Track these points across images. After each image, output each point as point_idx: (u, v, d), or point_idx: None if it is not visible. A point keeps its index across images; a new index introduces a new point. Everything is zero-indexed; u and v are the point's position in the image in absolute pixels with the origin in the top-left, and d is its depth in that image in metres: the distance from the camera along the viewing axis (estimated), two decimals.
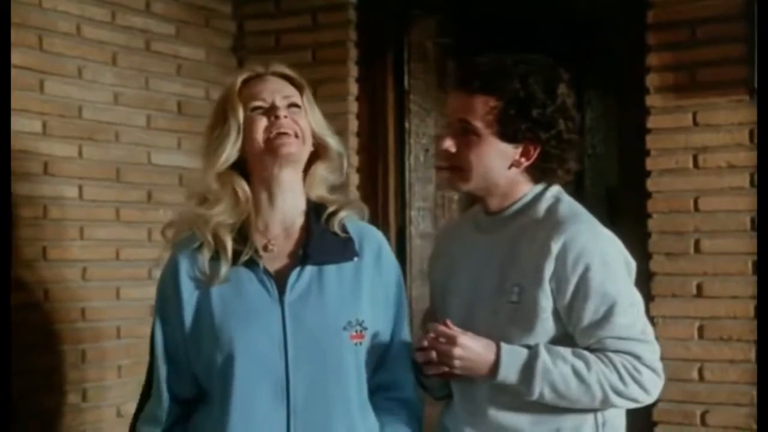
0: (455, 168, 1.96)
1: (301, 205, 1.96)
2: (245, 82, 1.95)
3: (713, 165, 3.01)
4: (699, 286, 3.02)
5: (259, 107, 1.90)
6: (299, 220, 1.95)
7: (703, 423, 2.99)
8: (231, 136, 1.90)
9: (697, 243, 3.03)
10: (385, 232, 3.48)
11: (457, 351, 1.85)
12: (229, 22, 3.63)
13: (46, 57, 2.92)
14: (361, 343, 1.89)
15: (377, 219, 3.47)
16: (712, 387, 2.99)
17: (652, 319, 3.02)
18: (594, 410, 1.90)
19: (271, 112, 1.90)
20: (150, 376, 1.96)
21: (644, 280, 3.04)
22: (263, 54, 3.44)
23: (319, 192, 1.98)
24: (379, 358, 1.94)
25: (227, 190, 1.90)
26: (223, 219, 1.89)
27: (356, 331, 1.88)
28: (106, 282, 3.07)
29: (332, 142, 1.97)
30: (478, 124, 1.91)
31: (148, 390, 1.97)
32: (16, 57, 2.77)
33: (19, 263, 2.78)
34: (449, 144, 1.95)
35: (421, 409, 2.02)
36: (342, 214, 1.96)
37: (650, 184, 3.09)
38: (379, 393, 1.95)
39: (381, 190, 3.54)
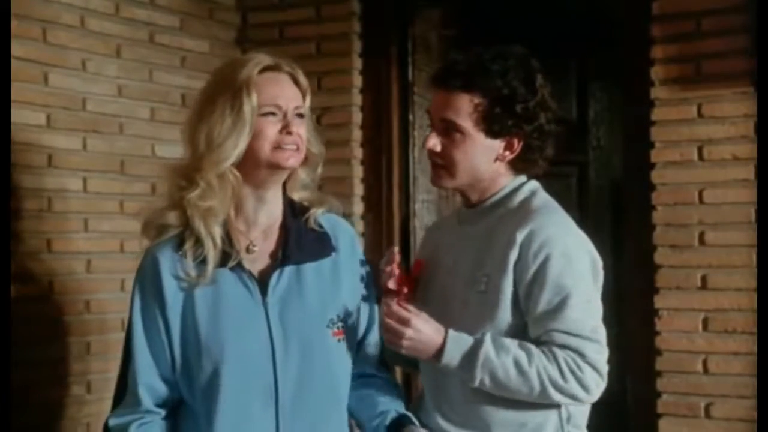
0: (441, 165, 2.00)
1: (281, 205, 1.95)
2: (260, 72, 1.87)
3: (718, 157, 3.01)
4: (703, 279, 3.01)
5: (274, 113, 1.85)
6: (278, 220, 1.94)
7: (708, 415, 2.99)
8: (245, 131, 1.82)
9: (701, 235, 3.02)
10: (389, 224, 3.51)
11: (408, 332, 1.87)
12: (233, 14, 3.62)
13: (49, 49, 2.91)
14: (342, 339, 1.91)
15: (381, 211, 3.48)
16: (717, 379, 2.98)
17: (656, 311, 3.04)
18: (558, 406, 1.92)
19: (285, 124, 1.85)
20: (124, 380, 1.89)
21: (649, 273, 3.05)
22: (267, 46, 3.43)
23: (298, 193, 1.98)
24: (356, 352, 1.97)
25: (225, 186, 1.85)
26: (216, 213, 1.84)
27: (338, 328, 1.90)
28: (111, 274, 3.06)
29: (315, 146, 1.95)
30: (463, 122, 1.95)
31: (122, 392, 1.89)
32: (20, 49, 2.78)
33: (23, 255, 2.79)
34: (434, 142, 1.98)
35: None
36: (318, 211, 1.97)
37: (655, 177, 3.08)
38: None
39: (385, 183, 3.54)
